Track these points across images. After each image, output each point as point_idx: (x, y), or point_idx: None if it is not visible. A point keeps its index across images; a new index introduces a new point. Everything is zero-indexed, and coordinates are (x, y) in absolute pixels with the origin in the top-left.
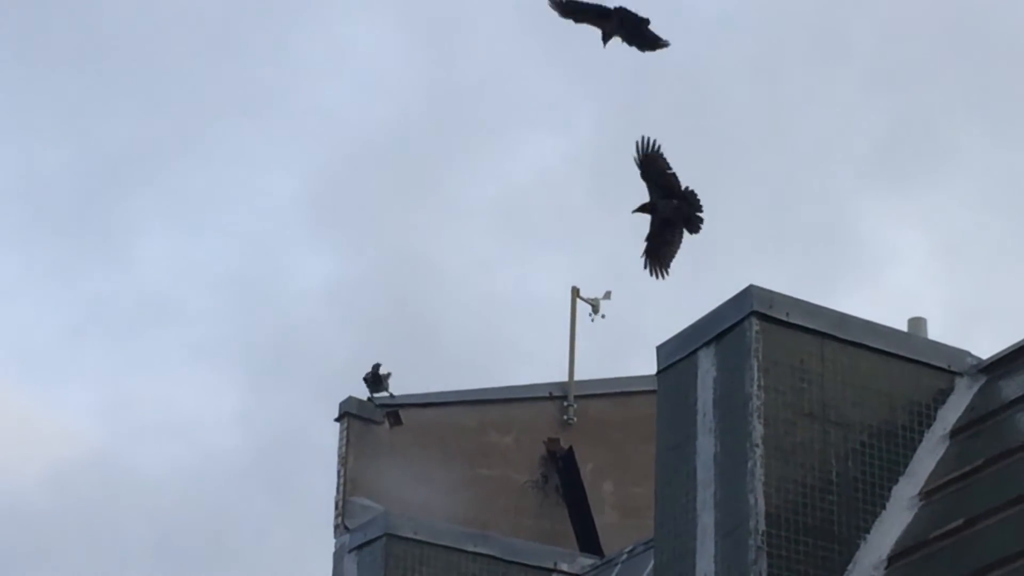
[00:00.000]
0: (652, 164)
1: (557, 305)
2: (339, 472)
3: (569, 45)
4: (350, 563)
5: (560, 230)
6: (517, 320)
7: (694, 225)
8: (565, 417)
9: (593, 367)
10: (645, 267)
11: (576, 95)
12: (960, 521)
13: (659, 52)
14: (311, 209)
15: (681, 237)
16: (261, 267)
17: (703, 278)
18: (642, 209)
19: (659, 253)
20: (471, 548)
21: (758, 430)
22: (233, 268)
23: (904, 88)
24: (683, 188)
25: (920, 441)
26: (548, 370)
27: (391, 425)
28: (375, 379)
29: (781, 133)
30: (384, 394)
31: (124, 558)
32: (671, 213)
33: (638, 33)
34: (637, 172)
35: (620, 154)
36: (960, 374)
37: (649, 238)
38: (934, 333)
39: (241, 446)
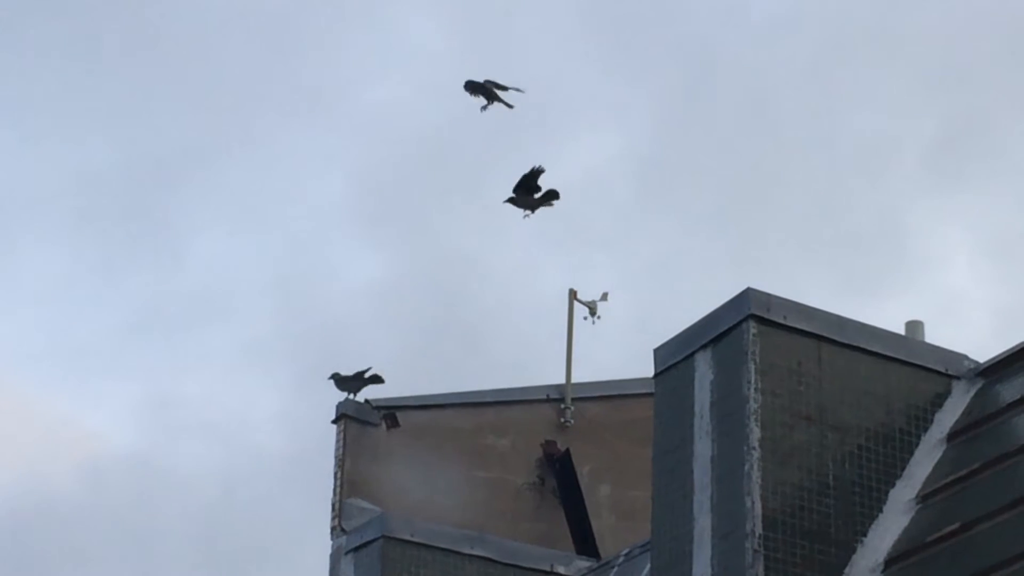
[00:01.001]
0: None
1: (603, 306)
2: (336, 474)
3: (625, 46)
4: (347, 565)
5: (608, 231)
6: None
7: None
8: (562, 419)
9: (590, 369)
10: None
11: (629, 95)
12: (957, 525)
13: (715, 53)
14: (359, 208)
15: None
16: (309, 266)
17: (749, 277)
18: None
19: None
20: (468, 550)
21: (755, 433)
22: (281, 267)
23: (957, 89)
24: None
25: (917, 444)
26: (545, 372)
27: (388, 427)
28: (354, 379)
29: (833, 133)
30: (350, 396)
31: (162, 558)
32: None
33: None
34: (688, 173)
35: (672, 155)
36: (957, 377)
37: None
38: (984, 335)
39: (283, 446)
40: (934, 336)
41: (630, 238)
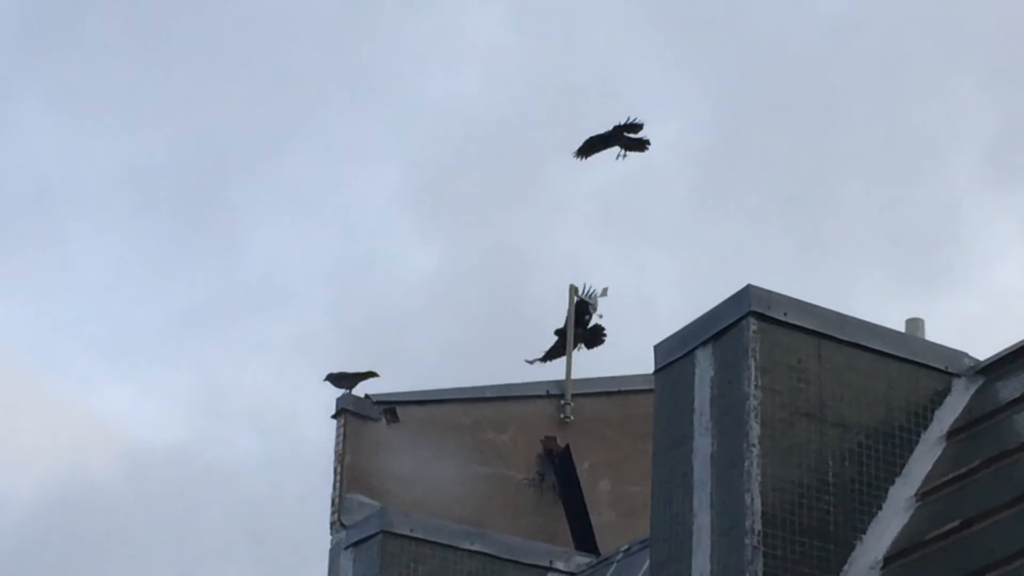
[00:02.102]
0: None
1: (654, 302)
2: (335, 469)
3: (687, 39)
4: (346, 560)
5: (666, 225)
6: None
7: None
8: (562, 415)
9: (591, 365)
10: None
11: (689, 89)
12: (957, 522)
13: (776, 50)
14: (417, 200)
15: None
16: (365, 258)
17: (810, 274)
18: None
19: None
20: (467, 546)
21: (755, 430)
22: (337, 259)
23: (1021, 88)
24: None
25: (917, 442)
26: (545, 368)
27: (388, 422)
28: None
29: (895, 129)
30: (346, 391)
31: (207, 550)
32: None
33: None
34: (747, 168)
35: (732, 150)
36: (957, 375)
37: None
38: None
39: (332, 440)
40: (993, 332)
41: (688, 232)
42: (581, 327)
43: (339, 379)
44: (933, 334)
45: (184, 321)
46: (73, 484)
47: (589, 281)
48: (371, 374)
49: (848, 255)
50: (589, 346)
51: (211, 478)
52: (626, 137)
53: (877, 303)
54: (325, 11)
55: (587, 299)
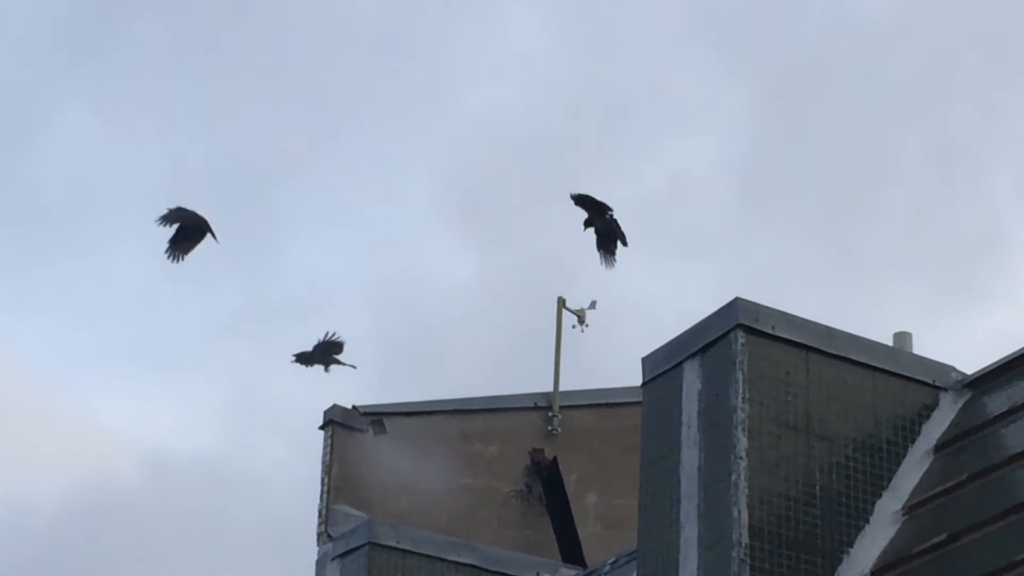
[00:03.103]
0: (586, 199)
1: (692, 312)
2: (323, 480)
3: (727, 48)
4: (333, 571)
5: (705, 236)
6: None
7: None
8: (549, 427)
9: (578, 378)
10: (601, 262)
11: (729, 99)
12: (943, 536)
13: (817, 60)
14: (455, 209)
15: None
16: (404, 267)
17: (848, 286)
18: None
19: (607, 250)
20: (454, 557)
21: (742, 443)
22: (376, 268)
23: None
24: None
25: (904, 455)
26: (533, 380)
27: (375, 433)
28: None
29: (935, 139)
30: (326, 369)
31: (233, 561)
32: (604, 227)
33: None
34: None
35: (772, 160)
36: (945, 389)
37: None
38: None
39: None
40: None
41: (727, 244)
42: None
43: (305, 358)
44: (968, 347)
45: (219, 329)
46: (97, 491)
47: (621, 290)
48: (335, 345)
49: (885, 266)
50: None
51: (234, 487)
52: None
53: (912, 315)
54: (367, 20)
55: (576, 312)
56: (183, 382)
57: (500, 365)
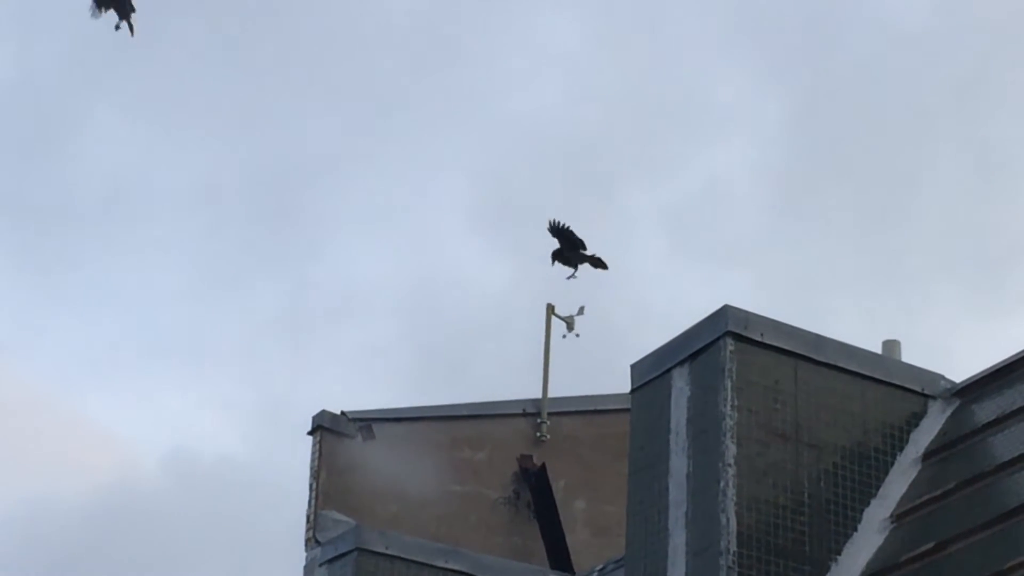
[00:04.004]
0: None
1: (580, 320)
2: (311, 486)
3: (766, 53)
4: None
5: (742, 241)
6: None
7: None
8: (538, 434)
9: (567, 384)
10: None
11: (767, 105)
12: (931, 544)
13: (859, 67)
14: (491, 214)
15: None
16: (439, 271)
17: (885, 292)
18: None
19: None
20: (442, 563)
21: (731, 450)
22: (410, 272)
23: None
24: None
25: (893, 464)
26: (521, 387)
27: (364, 439)
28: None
29: (977, 147)
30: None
31: (258, 565)
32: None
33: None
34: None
35: (811, 165)
36: (933, 397)
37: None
38: None
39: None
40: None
41: (766, 249)
42: (577, 255)
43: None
44: (1005, 353)
45: (253, 333)
46: (122, 493)
47: (652, 296)
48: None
49: (921, 272)
50: (596, 266)
51: (256, 491)
52: (582, 255)
53: (951, 323)
54: (406, 24)
55: (565, 319)
56: (214, 385)
57: (527, 371)
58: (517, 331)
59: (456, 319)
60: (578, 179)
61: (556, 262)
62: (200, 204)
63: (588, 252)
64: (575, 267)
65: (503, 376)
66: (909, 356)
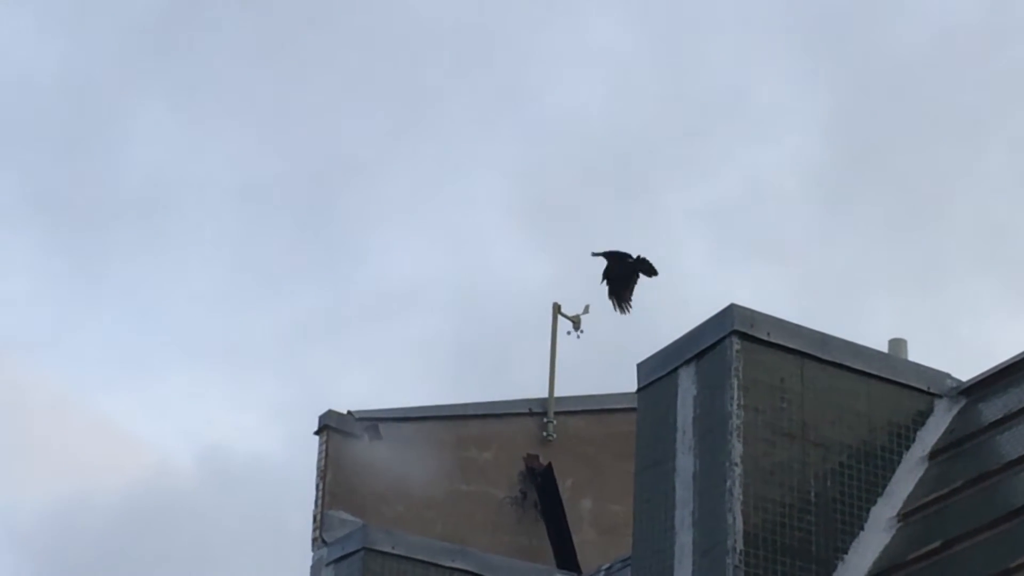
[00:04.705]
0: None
1: (586, 319)
2: (317, 485)
3: (805, 50)
4: None
5: (781, 241)
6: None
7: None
8: (544, 433)
9: (573, 383)
10: (614, 308)
11: (810, 104)
12: (938, 543)
13: (901, 66)
14: (534, 212)
15: (631, 284)
16: (480, 269)
17: (927, 291)
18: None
19: (620, 295)
20: (448, 563)
21: (737, 449)
22: (451, 270)
23: None
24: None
25: (899, 462)
26: (528, 386)
27: (370, 439)
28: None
29: (1017, 144)
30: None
31: (288, 565)
32: (623, 271)
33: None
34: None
35: (851, 164)
36: (940, 396)
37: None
38: None
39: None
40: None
41: (805, 249)
42: (625, 266)
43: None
44: None
45: (293, 331)
46: (157, 492)
47: (693, 294)
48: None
49: (964, 272)
50: (648, 275)
51: (295, 492)
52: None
53: (992, 321)
54: (448, 22)
55: (571, 318)
56: (252, 384)
57: (564, 369)
58: (560, 329)
59: (496, 318)
60: (619, 178)
61: (609, 288)
62: (241, 203)
63: (634, 259)
64: (629, 291)
65: (543, 374)
66: (946, 354)
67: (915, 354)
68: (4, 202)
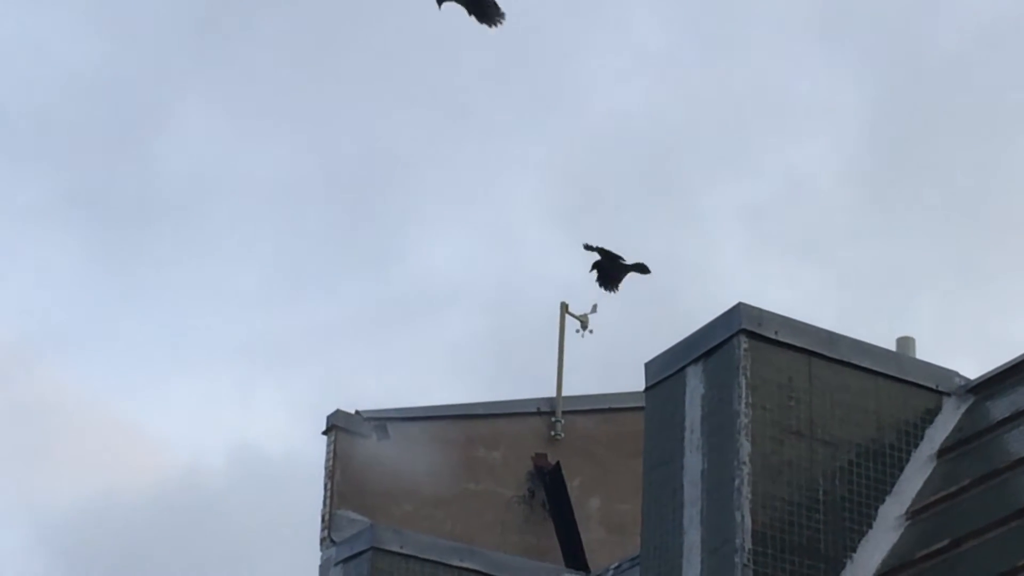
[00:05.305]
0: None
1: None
2: (326, 485)
3: (846, 46)
4: None
5: (820, 239)
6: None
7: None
8: (553, 433)
9: (581, 383)
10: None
11: (850, 103)
12: (946, 541)
13: (944, 62)
14: (574, 211)
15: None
16: (520, 269)
17: (969, 294)
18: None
19: (608, 280)
20: (457, 562)
21: (745, 448)
22: (493, 269)
23: None
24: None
25: (907, 460)
26: (536, 385)
27: (378, 438)
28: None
29: None
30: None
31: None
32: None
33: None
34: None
35: (893, 162)
36: (948, 394)
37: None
38: None
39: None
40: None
41: (846, 248)
42: (617, 266)
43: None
44: None
45: (331, 330)
46: (189, 490)
47: (731, 294)
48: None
49: (1006, 271)
50: (640, 272)
51: (307, 487)
52: (627, 267)
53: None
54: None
55: (579, 317)
56: (287, 382)
57: (615, 367)
58: (600, 328)
59: (533, 318)
60: (658, 176)
61: (598, 274)
62: (280, 202)
63: (628, 263)
64: (618, 280)
65: (578, 371)
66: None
67: (955, 351)
68: (42, 200)
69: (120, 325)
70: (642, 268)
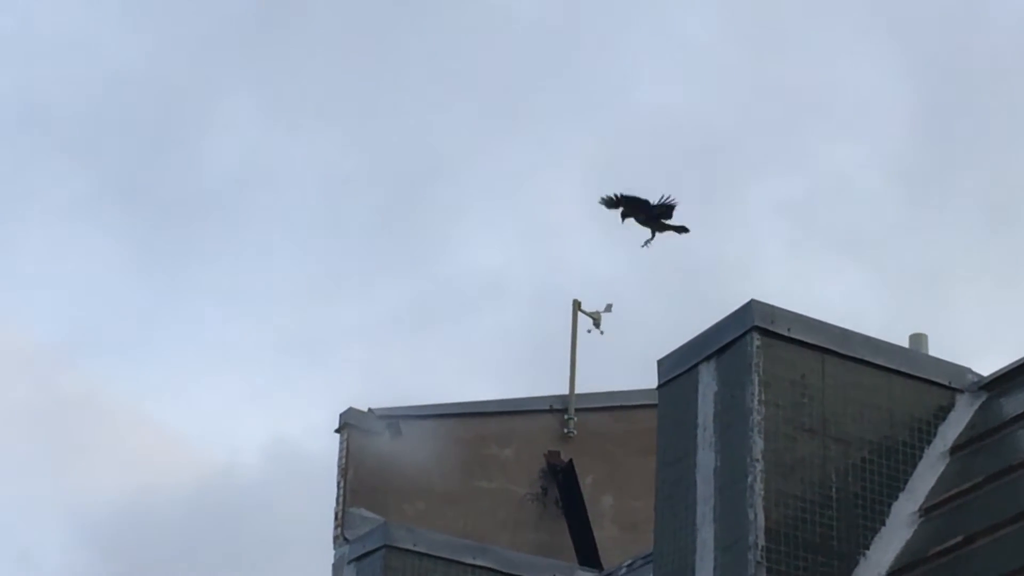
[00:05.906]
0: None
1: (853, 318)
2: (339, 483)
3: (897, 50)
4: (349, 574)
5: (865, 236)
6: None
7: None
8: (565, 430)
9: (594, 380)
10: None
11: (899, 101)
12: (959, 538)
13: (988, 61)
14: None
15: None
16: (563, 265)
17: (1010, 289)
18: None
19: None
20: (470, 560)
21: (758, 445)
22: (535, 266)
23: None
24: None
25: (920, 457)
26: (549, 383)
27: (391, 436)
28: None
29: None
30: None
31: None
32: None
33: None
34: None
35: (934, 160)
36: (961, 391)
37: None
38: None
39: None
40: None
41: (892, 244)
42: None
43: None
44: None
45: (374, 326)
46: (221, 489)
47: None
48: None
49: None
50: (678, 231)
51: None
52: (661, 222)
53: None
54: (534, 14)
55: (591, 315)
56: (329, 379)
57: (647, 362)
58: (632, 324)
59: (558, 313)
60: (702, 173)
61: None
62: (325, 198)
63: (664, 218)
64: (652, 233)
65: (618, 367)
66: None
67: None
68: (86, 198)
69: (159, 323)
70: (681, 228)
